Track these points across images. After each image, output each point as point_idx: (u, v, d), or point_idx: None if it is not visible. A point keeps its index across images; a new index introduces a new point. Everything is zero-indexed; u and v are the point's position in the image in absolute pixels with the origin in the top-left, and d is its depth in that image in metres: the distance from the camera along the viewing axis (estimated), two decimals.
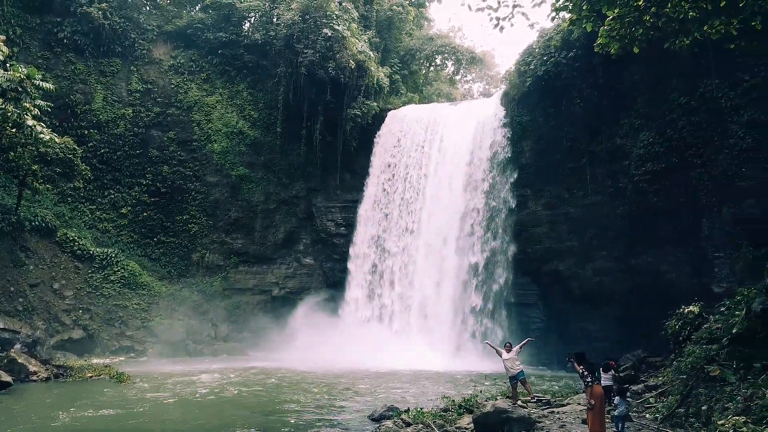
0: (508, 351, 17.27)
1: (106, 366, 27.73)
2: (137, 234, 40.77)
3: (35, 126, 28.39)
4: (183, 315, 38.88)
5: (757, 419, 10.83)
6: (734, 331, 13.68)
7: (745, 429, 10.32)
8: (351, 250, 42.05)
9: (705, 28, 15.60)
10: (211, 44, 44.10)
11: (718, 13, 15.16)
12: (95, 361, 30.70)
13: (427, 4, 58.31)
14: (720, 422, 11.19)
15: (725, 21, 15.42)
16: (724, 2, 14.78)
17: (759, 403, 11.26)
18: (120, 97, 41.64)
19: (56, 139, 30.81)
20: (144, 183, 41.27)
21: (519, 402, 16.67)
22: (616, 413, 13.55)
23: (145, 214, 41.03)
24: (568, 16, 17.57)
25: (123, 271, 37.69)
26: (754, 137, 25.45)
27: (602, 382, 16.01)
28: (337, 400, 21.67)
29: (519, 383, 17.08)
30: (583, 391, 17.01)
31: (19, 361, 23.94)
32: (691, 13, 15.13)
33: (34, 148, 30.66)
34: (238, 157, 43.25)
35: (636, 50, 16.35)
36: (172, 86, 42.96)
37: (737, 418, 10.93)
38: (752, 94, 25.78)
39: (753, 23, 15.80)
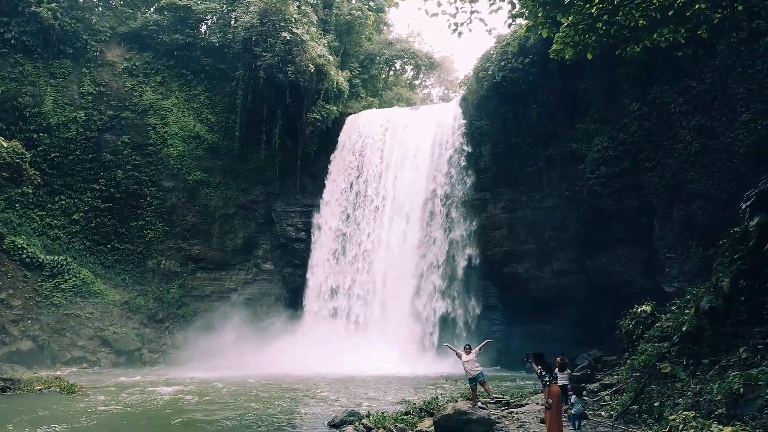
0: (468, 353, 17.35)
1: (57, 378, 26.67)
2: (90, 241, 39.56)
3: None
4: (138, 323, 37.92)
5: (705, 413, 11.17)
6: (684, 329, 14.09)
7: (694, 423, 10.62)
8: (311, 255, 41.81)
9: (654, 36, 16.11)
10: (167, 46, 43.25)
11: (666, 22, 15.67)
12: (45, 372, 29.57)
13: (386, 9, 58.59)
14: (671, 417, 11.49)
15: (673, 29, 15.95)
16: (672, 12, 15.28)
17: (707, 397, 11.62)
18: (71, 100, 40.38)
19: (3, 143, 29.68)
20: (97, 188, 40.09)
21: (479, 403, 16.77)
22: (572, 412, 13.79)
23: (98, 220, 39.84)
24: (524, 22, 17.88)
25: (75, 279, 36.52)
26: (701, 142, 26.39)
27: (558, 381, 16.34)
28: (296, 407, 21.42)
29: (479, 385, 17.19)
30: (541, 391, 17.28)
31: None
32: (641, 21, 15.60)
33: None
34: (196, 161, 42.48)
35: (590, 56, 16.74)
36: (127, 89, 41.92)
37: (687, 412, 11.25)
38: (699, 100, 26.75)
39: (699, 32, 16.41)
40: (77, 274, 36.77)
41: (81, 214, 39.45)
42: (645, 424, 13.03)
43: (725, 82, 25.53)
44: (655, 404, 13.25)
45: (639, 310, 19.43)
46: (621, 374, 18.32)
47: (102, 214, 40.00)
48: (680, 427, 10.72)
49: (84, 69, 41.12)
